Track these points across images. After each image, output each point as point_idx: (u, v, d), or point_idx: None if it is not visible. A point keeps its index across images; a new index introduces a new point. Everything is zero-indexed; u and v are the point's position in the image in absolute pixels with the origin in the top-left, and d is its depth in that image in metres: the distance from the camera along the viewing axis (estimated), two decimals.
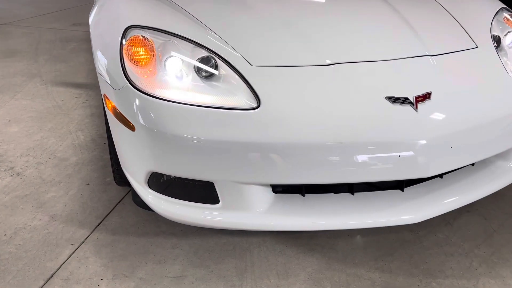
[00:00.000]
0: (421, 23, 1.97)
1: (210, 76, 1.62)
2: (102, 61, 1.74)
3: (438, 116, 1.58)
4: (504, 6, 2.21)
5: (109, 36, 1.76)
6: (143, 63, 1.62)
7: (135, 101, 1.53)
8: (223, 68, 1.61)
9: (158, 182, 1.63)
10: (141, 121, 1.51)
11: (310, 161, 1.49)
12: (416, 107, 1.57)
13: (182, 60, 1.61)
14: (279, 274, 1.72)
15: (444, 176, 1.82)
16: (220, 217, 1.58)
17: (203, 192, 1.56)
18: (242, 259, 1.79)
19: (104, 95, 1.73)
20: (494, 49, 1.91)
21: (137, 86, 1.55)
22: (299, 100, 1.55)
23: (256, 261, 1.78)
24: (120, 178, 1.98)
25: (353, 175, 1.54)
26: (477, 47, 1.91)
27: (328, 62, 1.67)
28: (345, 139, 1.49)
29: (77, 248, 1.83)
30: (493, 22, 2.06)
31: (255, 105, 1.52)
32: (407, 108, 1.56)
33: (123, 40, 1.65)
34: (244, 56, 1.65)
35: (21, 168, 2.42)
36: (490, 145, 1.70)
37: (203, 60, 1.62)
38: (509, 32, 2.05)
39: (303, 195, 1.67)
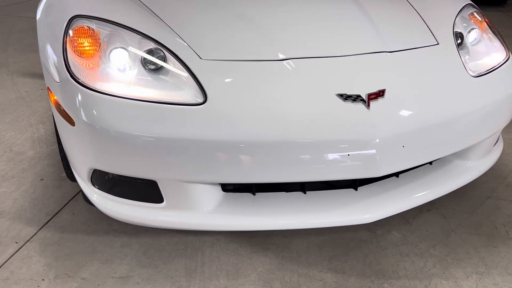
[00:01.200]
0: (384, 19, 1.93)
1: (158, 69, 1.56)
2: (46, 52, 1.67)
3: (390, 114, 1.54)
4: (470, 2, 2.17)
5: (55, 26, 1.69)
6: (87, 55, 1.55)
7: (74, 95, 1.46)
8: (171, 61, 1.55)
9: (103, 180, 1.57)
10: (80, 116, 1.45)
11: (257, 159, 1.44)
12: (368, 104, 1.53)
13: (127, 52, 1.55)
14: (229, 274, 1.68)
15: (400, 175, 1.79)
16: (165, 217, 1.53)
17: (146, 191, 1.51)
18: (193, 258, 1.74)
19: (48, 87, 1.66)
20: (455, 46, 1.88)
21: (78, 79, 1.48)
22: (248, 96, 1.50)
23: (207, 261, 1.74)
24: (71, 174, 1.91)
25: (302, 174, 1.50)
26: (438, 44, 1.87)
27: (281, 57, 1.61)
28: (292, 137, 1.45)
29: (21, 247, 1.77)
30: (457, 18, 2.02)
31: (201, 100, 1.46)
32: (359, 105, 1.52)
33: (68, 31, 1.58)
34: (194, 49, 1.59)
35: None
36: (445, 144, 1.66)
37: (151, 53, 1.56)
38: (472, 29, 2.01)
39: (254, 194, 1.63)
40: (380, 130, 1.50)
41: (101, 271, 1.67)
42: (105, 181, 1.56)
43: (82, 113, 1.44)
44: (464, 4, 2.10)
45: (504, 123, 1.89)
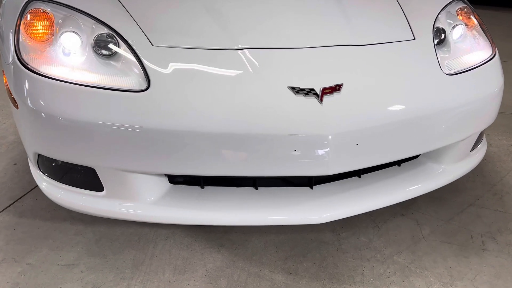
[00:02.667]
0: (360, 12, 1.83)
1: (110, 55, 1.52)
2: (2, 34, 1.66)
3: (345, 110, 1.45)
4: None
5: (12, 8, 1.67)
6: (40, 38, 1.53)
7: (16, 77, 1.45)
8: (123, 47, 1.52)
9: (49, 165, 1.55)
10: (21, 98, 1.43)
11: (196, 151, 1.39)
12: (321, 99, 1.45)
13: (79, 36, 1.52)
14: (177, 269, 1.63)
15: (363, 175, 1.70)
16: (105, 206, 1.50)
17: (87, 178, 1.48)
18: (144, 250, 1.70)
19: (2, 70, 1.65)
20: (432, 42, 1.76)
21: (24, 61, 1.46)
22: (195, 85, 1.44)
23: (157, 253, 1.69)
24: None
25: (248, 168, 1.43)
26: (414, 39, 1.77)
27: (237, 46, 1.55)
28: (237, 130, 1.38)
29: None
30: (441, 14, 1.90)
31: (144, 87, 1.42)
32: (311, 100, 1.44)
33: (23, 13, 1.57)
34: (148, 35, 1.55)
35: None
36: (407, 145, 1.57)
37: (102, 38, 1.53)
38: (457, 25, 1.89)
39: (202, 187, 1.57)
40: (332, 127, 1.42)
41: (48, 257, 1.65)
42: (51, 166, 1.54)
43: (23, 96, 1.42)
44: (450, 0, 1.98)
45: (482, 125, 1.77)
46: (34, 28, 1.55)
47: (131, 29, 1.55)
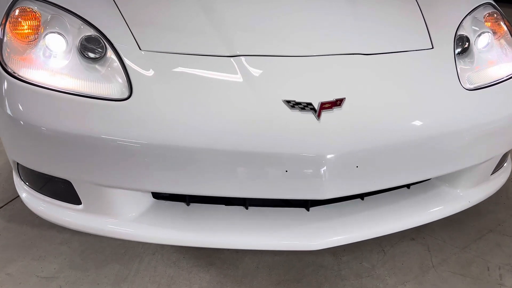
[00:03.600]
0: (375, 16, 1.67)
1: (96, 59, 1.42)
2: None
3: (345, 128, 1.30)
4: (489, 1, 1.84)
5: (2, 5, 1.60)
6: (24, 39, 1.45)
7: None
8: (109, 51, 1.41)
9: (30, 175, 1.47)
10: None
11: (180, 168, 1.27)
12: (319, 115, 1.30)
13: (64, 38, 1.42)
14: (160, 287, 1.53)
15: (366, 197, 1.55)
16: (82, 221, 1.41)
17: (64, 190, 1.39)
18: (128, 266, 1.61)
19: None
20: (452, 52, 1.59)
21: (4, 63, 1.38)
22: (181, 95, 1.32)
23: (142, 270, 1.60)
24: None
25: (234, 189, 1.31)
26: (432, 48, 1.60)
27: (232, 53, 1.42)
28: (223, 146, 1.26)
29: None
30: (466, 19, 1.71)
31: (126, 96, 1.31)
32: (308, 115, 1.30)
33: (10, 11, 1.48)
34: (137, 39, 1.44)
35: None
36: (416, 168, 1.40)
37: (89, 40, 1.43)
38: (484, 32, 1.70)
39: (188, 204, 1.46)
40: (329, 146, 1.28)
41: (29, 268, 1.58)
42: (31, 175, 1.46)
43: (1, 100, 1.34)
44: (479, 4, 1.78)
45: (505, 147, 1.58)
46: (20, 28, 1.46)
47: (120, 31, 1.45)
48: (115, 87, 1.33)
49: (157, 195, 1.46)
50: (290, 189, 1.30)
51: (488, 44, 1.70)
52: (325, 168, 1.27)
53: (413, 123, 1.37)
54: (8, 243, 1.68)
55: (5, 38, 1.44)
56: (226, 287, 1.55)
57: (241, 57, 1.41)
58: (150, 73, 1.36)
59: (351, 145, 1.29)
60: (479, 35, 1.69)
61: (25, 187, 1.49)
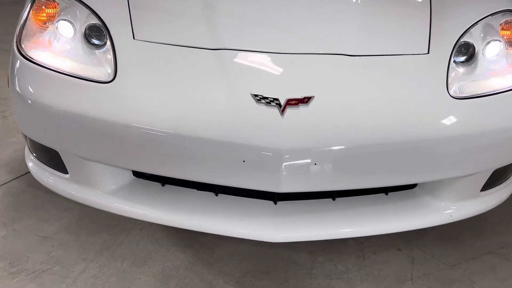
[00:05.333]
0: (379, 17, 1.65)
1: (98, 45, 1.57)
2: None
3: (307, 125, 1.32)
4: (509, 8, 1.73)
5: None
6: (42, 25, 1.64)
7: (12, 58, 1.56)
8: (108, 39, 1.55)
9: (32, 143, 1.65)
10: (10, 78, 1.54)
11: (149, 149, 1.37)
12: (283, 110, 1.33)
13: (72, 25, 1.58)
14: (137, 260, 1.65)
15: (339, 198, 1.54)
16: (68, 189, 1.56)
17: (55, 159, 1.55)
18: (115, 237, 1.75)
19: None
20: (447, 59, 1.52)
21: (19, 44, 1.57)
22: (161, 82, 1.42)
23: (126, 242, 1.73)
24: None
25: (196, 173, 1.38)
26: (427, 53, 1.54)
27: (217, 46, 1.49)
28: (188, 132, 1.33)
29: None
30: (476, 26, 1.62)
31: (110, 79, 1.44)
32: (272, 110, 1.34)
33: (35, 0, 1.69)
34: (134, 28, 1.56)
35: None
36: (380, 173, 1.38)
37: (92, 29, 1.57)
38: (493, 41, 1.61)
39: (162, 185, 1.56)
40: (286, 141, 1.30)
41: (32, 227, 1.78)
42: (34, 145, 1.65)
43: (12, 76, 1.54)
44: (497, 10, 1.68)
45: (490, 164, 1.49)
46: (41, 15, 1.65)
47: (120, 20, 1.58)
48: (104, 70, 1.47)
49: (137, 173, 1.58)
50: (247, 179, 1.35)
51: (498, 53, 1.60)
52: (280, 162, 1.30)
53: (384, 126, 1.35)
54: (23, 204, 1.90)
55: (27, 23, 1.64)
56: (196, 268, 1.63)
57: (223, 51, 1.48)
58: (137, 60, 1.47)
59: (308, 142, 1.31)
60: (488, 43, 1.60)
61: (31, 157, 1.68)
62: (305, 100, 1.36)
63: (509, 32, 1.65)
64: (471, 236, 1.85)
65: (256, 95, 1.36)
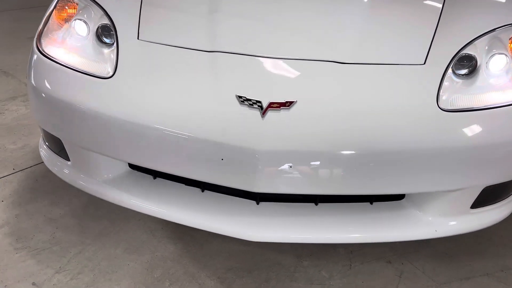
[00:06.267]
0: (384, 27, 1.64)
1: (108, 44, 1.68)
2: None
3: (286, 129, 1.35)
4: None
5: None
6: (62, 22, 1.78)
7: (30, 54, 1.71)
8: (114, 38, 1.67)
9: (45, 134, 1.79)
10: (27, 71, 1.69)
11: (138, 141, 1.46)
12: (264, 113, 1.37)
13: (86, 25, 1.71)
14: (129, 248, 1.74)
15: (322, 204, 1.55)
16: (70, 175, 1.68)
17: (60, 148, 1.68)
18: (115, 224, 1.86)
19: None
20: (442, 70, 1.49)
21: (38, 42, 1.72)
22: (156, 81, 1.50)
23: (123, 230, 1.83)
24: None
25: (179, 168, 1.45)
26: (423, 64, 1.52)
27: (211, 49, 1.56)
28: (176, 128, 1.40)
29: (13, 173, 2.16)
30: (481, 39, 1.58)
31: (109, 75, 1.55)
32: (254, 112, 1.38)
33: (59, 1, 1.84)
34: (140, 28, 1.66)
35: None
36: (358, 181, 1.37)
37: (104, 28, 1.69)
38: (498, 54, 1.56)
39: (154, 178, 1.64)
40: (263, 143, 1.34)
41: (43, 209, 1.93)
42: (44, 133, 1.79)
43: (28, 69, 1.69)
44: (508, 23, 1.63)
45: (478, 181, 1.44)
46: (62, 14, 1.80)
47: (129, 22, 1.68)
48: (106, 67, 1.57)
49: (132, 165, 1.67)
50: (225, 177, 1.40)
51: (503, 67, 1.55)
52: (256, 162, 1.34)
53: (364, 135, 1.35)
54: (39, 188, 2.06)
55: (49, 21, 1.79)
56: (182, 260, 1.69)
57: (218, 53, 1.54)
58: (137, 59, 1.57)
59: (285, 146, 1.34)
60: (492, 56, 1.55)
61: (44, 146, 1.82)
62: (287, 104, 1.39)
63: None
64: (469, 255, 1.78)
65: (240, 97, 1.41)
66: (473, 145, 1.38)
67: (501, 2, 1.79)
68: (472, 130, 1.40)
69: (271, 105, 1.38)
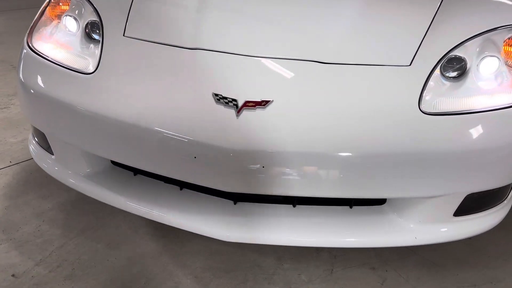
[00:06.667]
0: (374, 27, 1.59)
1: (96, 40, 1.70)
2: None
3: (260, 128, 1.33)
4: None
5: None
6: (54, 18, 1.81)
7: (21, 49, 1.74)
8: (99, 34, 1.68)
9: (33, 129, 1.82)
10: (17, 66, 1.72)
11: (116, 138, 1.46)
12: (239, 112, 1.36)
13: (76, 21, 1.73)
14: (111, 243, 1.75)
15: (303, 206, 1.52)
16: (54, 169, 1.71)
17: (45, 142, 1.70)
18: (100, 219, 1.86)
19: None
20: (427, 72, 1.45)
21: (28, 37, 1.74)
22: (133, 76, 1.50)
23: (108, 225, 1.84)
24: None
25: (155, 165, 1.45)
26: (409, 65, 1.48)
27: (193, 46, 1.55)
28: (149, 124, 1.40)
29: (11, 165, 2.21)
30: (473, 40, 1.52)
31: (91, 71, 1.56)
32: (229, 110, 1.37)
33: None
34: (128, 25, 1.66)
35: None
36: (331, 183, 1.34)
37: (92, 24, 1.71)
38: (489, 57, 1.50)
39: (134, 174, 1.65)
40: (237, 142, 1.32)
41: (33, 202, 1.95)
42: (33, 129, 1.82)
43: (18, 64, 1.72)
44: (503, 24, 1.56)
45: (462, 187, 1.39)
46: (55, 11, 1.83)
47: (116, 19, 1.69)
48: (89, 63, 1.59)
49: (114, 161, 1.68)
50: (198, 175, 1.39)
51: (494, 70, 1.49)
52: (228, 162, 1.33)
53: (339, 136, 1.32)
54: (32, 181, 2.10)
55: (42, 17, 1.82)
56: (162, 258, 1.69)
57: (198, 50, 1.53)
58: (120, 56, 1.58)
59: (258, 145, 1.32)
60: (483, 59, 1.50)
61: (33, 141, 1.85)
62: (263, 104, 1.37)
63: (508, 49, 1.53)
64: (458, 265, 1.72)
65: (216, 95, 1.40)
66: (453, 150, 1.33)
67: (499, 3, 1.73)
68: (454, 134, 1.35)
69: (247, 104, 1.37)
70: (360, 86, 1.43)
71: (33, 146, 1.83)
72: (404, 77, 1.44)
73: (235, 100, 1.37)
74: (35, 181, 2.10)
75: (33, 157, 1.83)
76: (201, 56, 1.51)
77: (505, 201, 1.57)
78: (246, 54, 1.50)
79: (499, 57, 1.50)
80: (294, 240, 1.46)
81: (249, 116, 1.35)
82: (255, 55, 1.50)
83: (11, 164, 2.23)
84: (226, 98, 1.38)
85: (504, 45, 1.54)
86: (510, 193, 1.59)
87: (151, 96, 1.45)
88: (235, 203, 1.53)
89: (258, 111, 1.36)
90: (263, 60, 1.49)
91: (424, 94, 1.40)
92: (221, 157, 1.34)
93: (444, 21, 1.60)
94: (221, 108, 1.38)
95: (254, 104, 1.37)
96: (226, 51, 1.52)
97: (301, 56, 1.49)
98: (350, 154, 1.32)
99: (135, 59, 1.56)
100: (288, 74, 1.45)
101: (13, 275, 1.58)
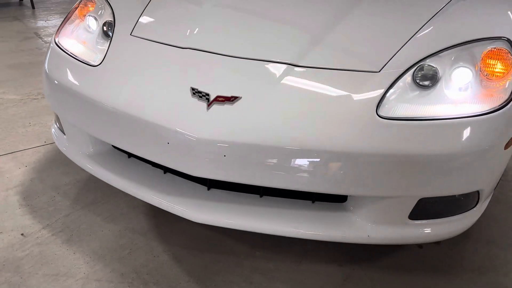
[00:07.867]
0: (356, 32, 1.68)
1: (110, 37, 1.94)
2: None
3: (225, 121, 1.47)
4: (507, 38, 1.60)
5: None
6: (80, 18, 2.08)
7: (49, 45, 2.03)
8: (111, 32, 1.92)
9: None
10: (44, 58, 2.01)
11: (110, 122, 1.67)
12: (210, 105, 1.51)
13: (96, 20, 1.99)
14: (109, 217, 1.97)
15: (266, 196, 1.64)
16: (65, 148, 1.95)
17: (59, 123, 1.96)
18: (106, 196, 2.10)
19: None
20: (392, 79, 1.51)
21: (56, 34, 2.03)
22: (129, 70, 1.70)
23: (110, 202, 2.06)
24: None
25: (139, 149, 1.63)
26: (377, 72, 1.55)
27: (185, 45, 1.73)
28: (133, 112, 1.59)
29: (45, 144, 2.53)
30: (448, 51, 1.56)
31: (97, 64, 1.79)
32: (202, 103, 1.53)
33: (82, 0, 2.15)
34: (137, 25, 1.89)
35: None
36: (285, 175, 1.45)
37: (108, 24, 1.96)
38: (462, 67, 1.53)
39: (128, 157, 1.85)
40: (202, 131, 1.47)
41: (54, 176, 2.24)
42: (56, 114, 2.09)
43: (45, 57, 2.00)
44: (485, 36, 1.59)
45: (412, 191, 1.43)
46: (84, 11, 2.10)
47: (129, 19, 1.93)
48: (98, 56, 1.82)
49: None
50: (170, 159, 1.55)
51: (467, 82, 1.52)
52: (195, 149, 1.48)
53: (297, 133, 1.42)
54: (58, 159, 2.39)
55: (71, 16, 2.10)
56: (149, 235, 1.88)
57: (188, 50, 1.71)
58: (123, 52, 1.80)
59: (221, 136, 1.46)
60: (455, 69, 1.54)
61: (55, 125, 2.13)
62: (232, 99, 1.51)
63: (492, 61, 1.55)
64: (430, 273, 1.74)
65: (193, 89, 1.56)
66: (404, 154, 1.39)
67: (490, 14, 1.74)
68: (406, 139, 1.40)
69: (217, 98, 1.52)
70: (327, 89, 1.53)
71: (54, 130, 2.11)
72: (369, 83, 1.51)
73: (207, 95, 1.53)
74: (60, 160, 2.39)
75: (54, 139, 2.11)
76: (189, 55, 1.69)
77: (470, 212, 1.58)
78: (225, 54, 1.65)
79: (471, 68, 1.52)
80: (254, 227, 1.57)
81: (218, 110, 1.50)
82: (232, 55, 1.64)
83: (45, 143, 2.55)
84: (200, 92, 1.55)
85: (482, 57, 1.56)
86: (478, 205, 1.60)
87: (140, 88, 1.64)
88: (208, 189, 1.68)
89: (227, 106, 1.50)
90: (238, 60, 1.63)
91: (384, 100, 1.47)
92: (189, 144, 1.49)
93: (427, 30, 1.65)
94: (195, 101, 1.54)
95: (223, 99, 1.51)
96: (210, 50, 1.68)
97: (275, 57, 1.61)
98: (305, 150, 1.42)
99: (135, 55, 1.77)
100: (259, 74, 1.58)
101: (22, 234, 1.85)
